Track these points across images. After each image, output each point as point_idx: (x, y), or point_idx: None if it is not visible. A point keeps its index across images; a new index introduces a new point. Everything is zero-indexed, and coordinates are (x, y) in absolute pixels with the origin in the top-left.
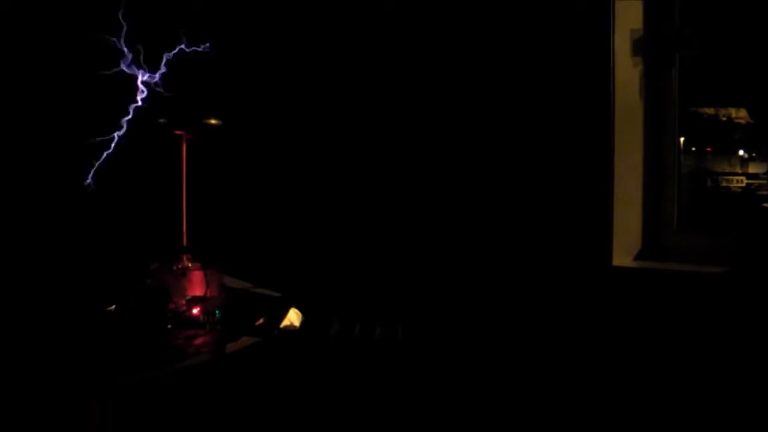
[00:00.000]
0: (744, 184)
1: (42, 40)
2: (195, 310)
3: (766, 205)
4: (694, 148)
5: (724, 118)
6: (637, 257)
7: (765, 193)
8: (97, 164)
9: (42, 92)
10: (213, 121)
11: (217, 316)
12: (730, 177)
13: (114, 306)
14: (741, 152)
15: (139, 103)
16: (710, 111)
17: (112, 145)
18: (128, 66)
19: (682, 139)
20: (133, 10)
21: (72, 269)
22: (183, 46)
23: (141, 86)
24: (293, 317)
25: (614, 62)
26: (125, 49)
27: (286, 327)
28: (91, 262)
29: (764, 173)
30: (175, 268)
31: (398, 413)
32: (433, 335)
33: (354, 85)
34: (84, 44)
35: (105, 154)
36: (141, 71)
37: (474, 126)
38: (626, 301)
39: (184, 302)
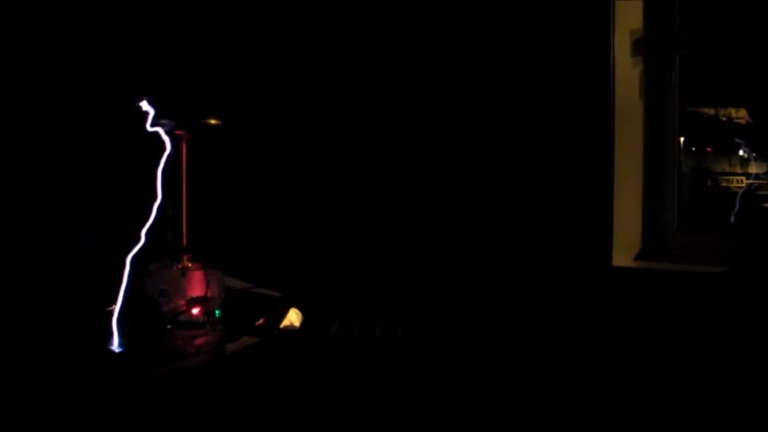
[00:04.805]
0: (744, 184)
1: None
2: (195, 310)
3: (766, 205)
4: (694, 148)
5: (724, 118)
6: (637, 257)
7: (765, 193)
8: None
9: (39, 91)
10: (213, 121)
11: (217, 316)
12: (730, 177)
13: (114, 306)
14: (741, 152)
15: (141, 103)
16: (710, 111)
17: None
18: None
19: (682, 139)
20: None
21: (72, 269)
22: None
23: (141, 85)
24: (293, 317)
25: (614, 62)
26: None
27: (286, 327)
28: (91, 262)
29: (764, 173)
30: (175, 268)
31: (398, 413)
32: (433, 335)
33: (354, 85)
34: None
35: (105, 154)
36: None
37: (474, 126)
38: (626, 301)
39: (184, 302)
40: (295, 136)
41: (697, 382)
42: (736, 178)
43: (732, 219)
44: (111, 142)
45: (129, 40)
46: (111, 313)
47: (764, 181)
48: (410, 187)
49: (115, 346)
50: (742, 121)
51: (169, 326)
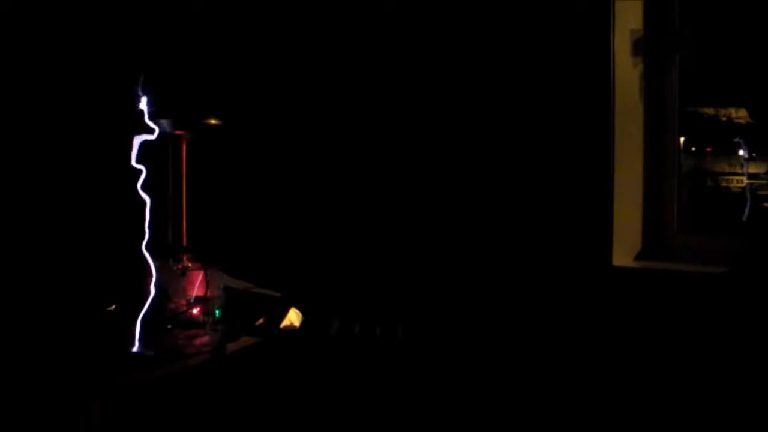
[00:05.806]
0: (744, 184)
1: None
2: (195, 310)
3: (766, 205)
4: (694, 148)
5: (724, 118)
6: (638, 257)
7: (765, 193)
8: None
9: (39, 93)
10: (213, 121)
11: (217, 316)
12: (730, 177)
13: (114, 306)
14: (741, 152)
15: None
16: (710, 111)
17: (111, 145)
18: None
19: (682, 139)
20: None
21: (72, 269)
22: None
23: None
24: (293, 317)
25: (614, 62)
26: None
27: (286, 327)
28: (90, 262)
29: (764, 173)
30: (175, 268)
31: (398, 413)
32: (433, 335)
33: (354, 86)
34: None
35: (105, 155)
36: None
37: (474, 126)
38: (626, 302)
39: (184, 302)
40: (295, 137)
41: (697, 381)
42: (736, 178)
43: (732, 219)
44: (109, 141)
45: (129, 39)
46: (111, 313)
47: (764, 181)
48: (411, 187)
49: (115, 346)
50: (742, 121)
51: (169, 326)
